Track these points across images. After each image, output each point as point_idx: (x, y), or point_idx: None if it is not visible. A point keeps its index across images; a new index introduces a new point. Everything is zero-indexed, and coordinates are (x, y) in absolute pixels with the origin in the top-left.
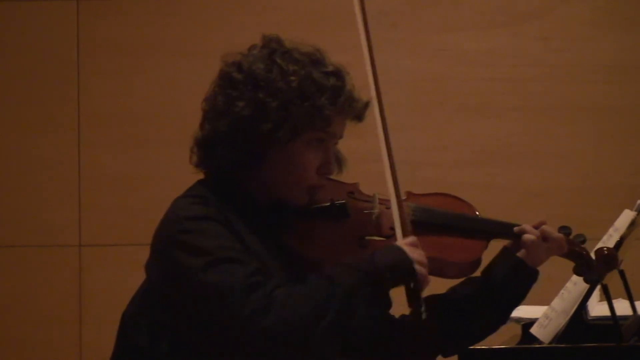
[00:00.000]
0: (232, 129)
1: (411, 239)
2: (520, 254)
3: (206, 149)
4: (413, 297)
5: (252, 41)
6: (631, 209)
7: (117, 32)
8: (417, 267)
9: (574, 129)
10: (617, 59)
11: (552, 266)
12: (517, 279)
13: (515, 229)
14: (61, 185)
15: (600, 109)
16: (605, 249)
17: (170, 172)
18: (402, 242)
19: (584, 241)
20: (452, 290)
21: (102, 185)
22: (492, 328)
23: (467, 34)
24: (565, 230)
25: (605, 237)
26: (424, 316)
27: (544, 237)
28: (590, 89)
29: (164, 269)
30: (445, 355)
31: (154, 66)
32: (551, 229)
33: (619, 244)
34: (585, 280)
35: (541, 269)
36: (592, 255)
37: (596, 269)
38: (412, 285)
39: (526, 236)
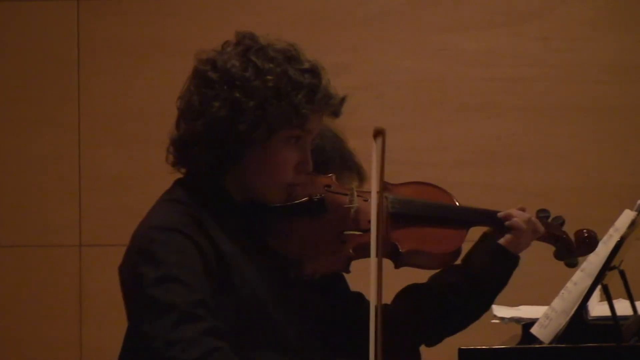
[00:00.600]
0: (208, 130)
1: None
2: (503, 239)
3: (182, 149)
4: None
5: None
6: (631, 209)
7: (118, 31)
8: None
9: (574, 128)
10: (617, 59)
11: (552, 265)
12: (498, 265)
13: (500, 214)
14: (61, 184)
15: (601, 108)
16: (585, 230)
17: (170, 171)
18: None
19: (562, 223)
20: (433, 279)
21: (102, 185)
22: (474, 316)
23: (467, 34)
24: (543, 213)
25: (605, 237)
26: None
27: (525, 221)
28: (590, 89)
29: (126, 274)
30: (428, 345)
31: (155, 66)
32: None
33: (619, 244)
34: (567, 265)
35: (541, 269)
36: (572, 239)
37: (576, 253)
38: None
39: (515, 220)
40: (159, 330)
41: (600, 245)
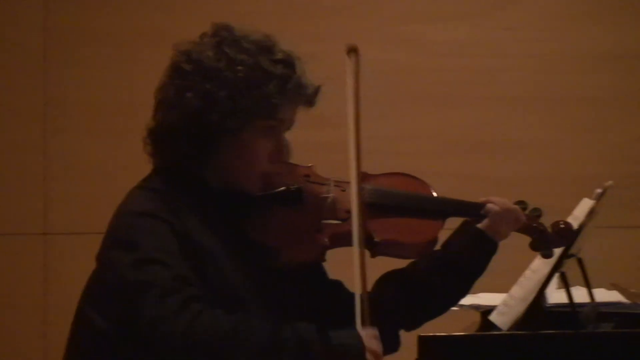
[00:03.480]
0: (182, 120)
1: (372, 332)
2: (482, 224)
3: (158, 139)
4: None
5: None
6: (590, 198)
7: (84, 22)
8: (369, 357)
9: (538, 119)
10: (582, 50)
11: (511, 254)
12: (476, 249)
13: (482, 199)
14: (26, 173)
15: (564, 99)
16: (561, 222)
17: (135, 161)
18: (361, 331)
19: (539, 215)
20: (413, 264)
21: (67, 173)
22: (453, 300)
23: (434, 24)
24: (521, 204)
25: None
26: None
27: (506, 209)
28: (555, 80)
29: (102, 261)
30: (407, 329)
31: (121, 56)
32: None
33: (577, 233)
34: (542, 255)
35: (500, 258)
36: (549, 230)
37: (552, 244)
38: None
39: (490, 205)
40: (143, 310)
41: None
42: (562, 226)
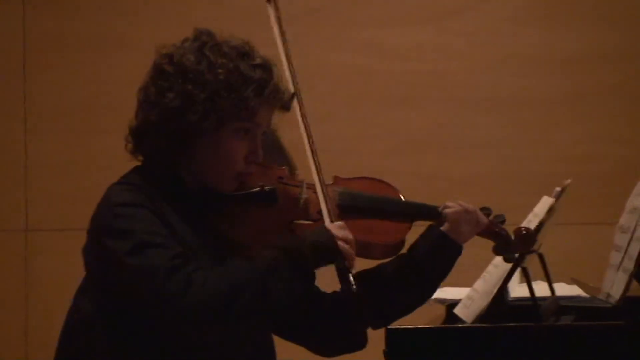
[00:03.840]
0: (162, 119)
1: (339, 223)
2: (444, 227)
3: (139, 137)
4: (341, 273)
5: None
6: (550, 196)
7: (62, 27)
8: (340, 243)
9: (495, 119)
10: (535, 54)
11: (475, 249)
12: (440, 253)
13: (441, 206)
14: (7, 171)
15: (520, 100)
16: (523, 228)
17: (113, 159)
18: (329, 224)
19: (503, 221)
20: (381, 265)
21: (48, 172)
22: (419, 300)
23: (394, 29)
24: (485, 210)
25: (524, 222)
26: (354, 290)
27: (465, 210)
28: (510, 82)
29: (95, 253)
30: (374, 328)
31: (97, 60)
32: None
33: (538, 229)
34: (505, 259)
35: (465, 253)
36: (511, 235)
37: (514, 248)
38: (339, 262)
39: (449, 209)
40: (153, 293)
41: None
42: (524, 232)
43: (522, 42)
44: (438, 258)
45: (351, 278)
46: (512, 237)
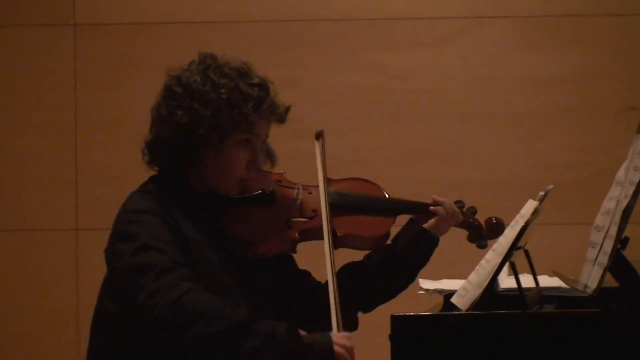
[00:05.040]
0: (173, 134)
1: (344, 333)
2: (427, 223)
3: (153, 150)
4: None
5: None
6: (535, 199)
7: (108, 50)
8: (336, 347)
9: (486, 131)
10: (521, 74)
11: (469, 249)
12: (419, 245)
13: (432, 205)
14: (59, 178)
15: (509, 115)
16: (493, 218)
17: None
18: (335, 334)
19: (474, 212)
20: (367, 257)
21: (96, 177)
22: (401, 287)
23: (397, 53)
24: (460, 204)
25: (512, 223)
26: None
27: (448, 210)
28: (500, 99)
29: (109, 254)
30: (364, 311)
31: (137, 79)
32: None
33: (524, 228)
34: (478, 246)
35: (460, 251)
36: (483, 225)
37: (486, 236)
38: None
39: (439, 208)
40: (143, 287)
41: (508, 229)
42: (494, 221)
43: (510, 64)
44: (418, 250)
45: None
46: (484, 226)
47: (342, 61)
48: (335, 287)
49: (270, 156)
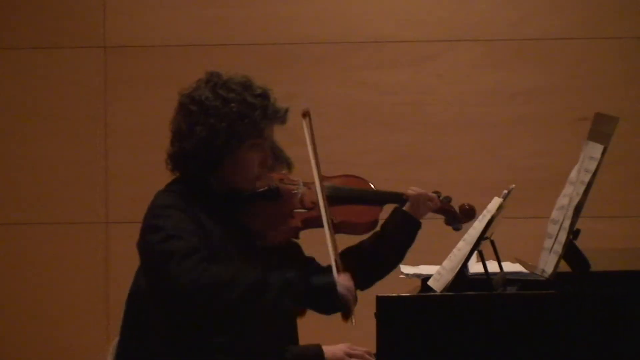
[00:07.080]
0: (195, 147)
1: (346, 275)
2: (406, 208)
3: (177, 161)
4: (345, 314)
5: None
6: (499, 197)
7: (135, 66)
8: (340, 288)
9: (460, 139)
10: (491, 88)
11: (443, 239)
12: (404, 227)
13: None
14: (90, 176)
15: (479, 125)
16: (466, 204)
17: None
18: (338, 277)
19: (450, 200)
20: (361, 242)
21: (124, 176)
22: (392, 266)
23: (383, 70)
24: (437, 193)
25: (480, 217)
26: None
27: (420, 193)
28: (472, 111)
29: (140, 245)
30: (362, 289)
31: (160, 92)
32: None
33: (490, 221)
34: (454, 229)
35: (436, 240)
36: (457, 210)
37: (460, 220)
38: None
39: (410, 191)
40: (169, 271)
41: (476, 222)
42: (467, 207)
43: (480, 81)
44: (404, 231)
45: (352, 316)
46: (458, 212)
47: (336, 78)
48: (332, 231)
49: (287, 163)
